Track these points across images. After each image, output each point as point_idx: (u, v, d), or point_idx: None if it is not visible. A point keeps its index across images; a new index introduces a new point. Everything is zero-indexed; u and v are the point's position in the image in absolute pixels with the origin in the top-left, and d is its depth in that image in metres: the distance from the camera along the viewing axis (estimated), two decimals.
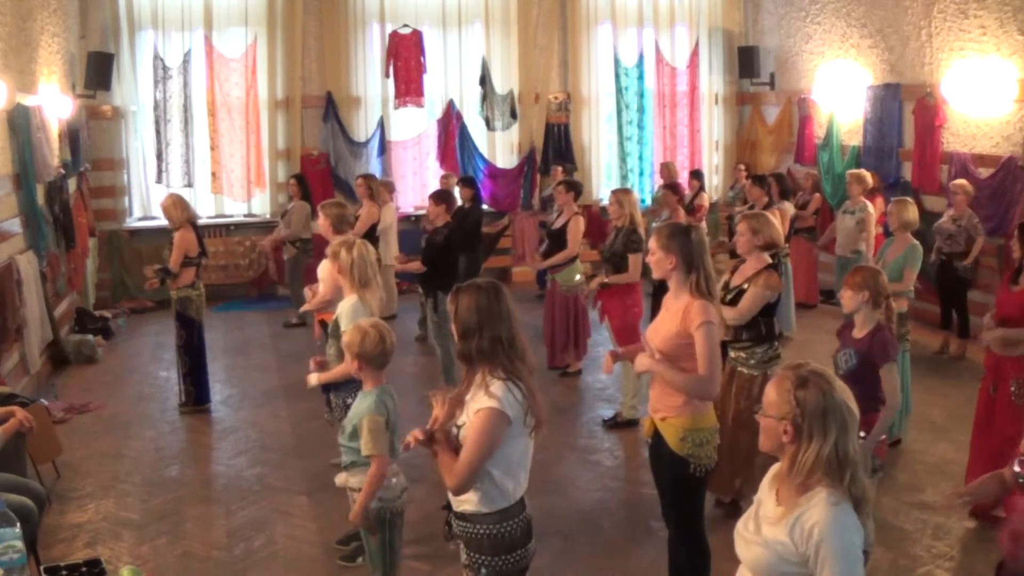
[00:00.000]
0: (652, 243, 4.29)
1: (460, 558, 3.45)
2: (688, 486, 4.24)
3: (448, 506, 3.44)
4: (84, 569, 3.87)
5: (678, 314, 4.12)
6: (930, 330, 9.39)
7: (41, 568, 3.99)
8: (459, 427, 3.28)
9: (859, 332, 4.71)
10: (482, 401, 3.18)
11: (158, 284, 7.73)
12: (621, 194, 7.69)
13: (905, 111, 10.26)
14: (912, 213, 6.76)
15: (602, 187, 13.48)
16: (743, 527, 2.65)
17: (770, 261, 5.50)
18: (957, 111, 9.43)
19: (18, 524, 3.52)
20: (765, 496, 2.66)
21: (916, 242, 6.73)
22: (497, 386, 3.19)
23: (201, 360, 7.83)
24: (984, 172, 9.07)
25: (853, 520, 2.45)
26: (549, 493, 6.00)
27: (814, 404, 2.48)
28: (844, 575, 2.40)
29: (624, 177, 13.40)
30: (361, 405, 4.08)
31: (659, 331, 4.24)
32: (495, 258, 12.82)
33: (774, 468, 2.67)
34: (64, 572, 3.85)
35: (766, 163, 12.97)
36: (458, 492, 3.24)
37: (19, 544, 3.47)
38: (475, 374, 3.28)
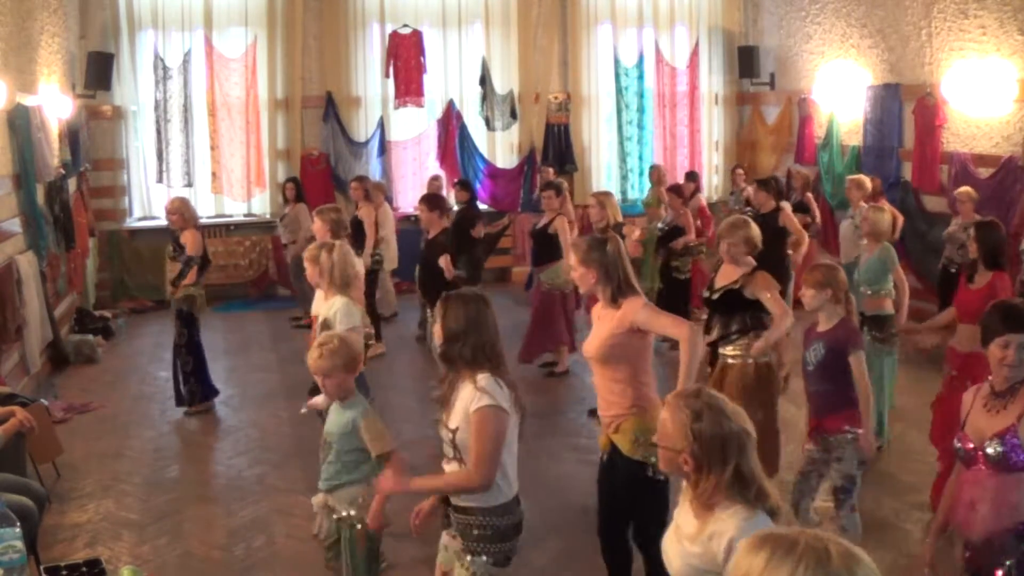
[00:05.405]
0: (573, 259, 4.32)
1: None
2: (651, 493, 4.09)
3: (446, 500, 3.55)
4: (84, 569, 3.87)
5: (611, 321, 4.18)
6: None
7: (41, 568, 3.99)
8: (452, 431, 3.39)
9: (824, 326, 4.79)
10: (477, 399, 3.32)
11: (194, 278, 7.52)
12: (602, 196, 7.91)
13: (905, 111, 10.25)
14: (886, 223, 6.89)
15: (602, 187, 13.47)
16: (667, 543, 2.73)
17: (754, 263, 5.60)
18: (957, 111, 9.43)
19: (18, 524, 3.52)
20: (682, 511, 2.71)
21: (886, 243, 6.86)
22: (486, 381, 3.34)
23: (202, 356, 7.85)
24: (984, 172, 9.06)
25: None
26: (549, 493, 5.96)
27: (710, 435, 2.52)
28: None
29: (624, 177, 13.40)
30: (345, 415, 3.93)
31: (593, 343, 4.27)
32: (495, 258, 12.79)
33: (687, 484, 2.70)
34: (64, 572, 3.85)
35: (766, 163, 12.95)
36: (486, 488, 3.35)
37: (19, 544, 3.47)
38: (456, 377, 3.45)
